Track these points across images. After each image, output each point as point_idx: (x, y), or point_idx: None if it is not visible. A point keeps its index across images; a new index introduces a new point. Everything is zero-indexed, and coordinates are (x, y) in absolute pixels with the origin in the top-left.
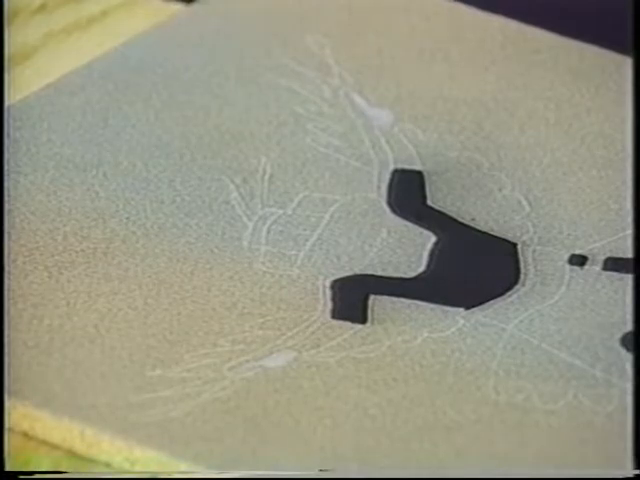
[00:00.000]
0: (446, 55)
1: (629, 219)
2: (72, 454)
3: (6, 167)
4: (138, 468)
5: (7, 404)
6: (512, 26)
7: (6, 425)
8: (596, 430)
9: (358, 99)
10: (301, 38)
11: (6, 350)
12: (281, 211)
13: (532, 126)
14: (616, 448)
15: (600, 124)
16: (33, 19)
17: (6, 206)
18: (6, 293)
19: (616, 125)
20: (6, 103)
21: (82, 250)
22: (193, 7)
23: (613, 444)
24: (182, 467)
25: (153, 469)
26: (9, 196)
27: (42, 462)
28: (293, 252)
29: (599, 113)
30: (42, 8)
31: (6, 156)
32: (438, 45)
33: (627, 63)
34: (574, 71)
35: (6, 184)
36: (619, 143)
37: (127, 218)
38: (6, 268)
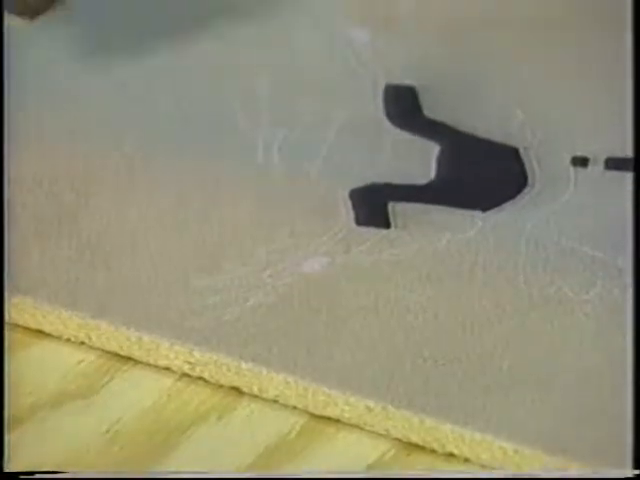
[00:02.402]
0: None
1: (625, 118)
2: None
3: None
4: (198, 370)
5: (64, 314)
6: None
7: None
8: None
9: (340, 20)
10: None
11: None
12: (286, 129)
13: (520, 32)
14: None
15: (594, 24)
16: None
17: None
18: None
19: (612, 24)
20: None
21: (106, 169)
22: None
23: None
24: (243, 366)
25: (213, 371)
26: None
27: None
28: (307, 165)
29: (594, 17)
30: None
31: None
32: None
33: None
34: None
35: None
36: (615, 41)
37: (147, 142)
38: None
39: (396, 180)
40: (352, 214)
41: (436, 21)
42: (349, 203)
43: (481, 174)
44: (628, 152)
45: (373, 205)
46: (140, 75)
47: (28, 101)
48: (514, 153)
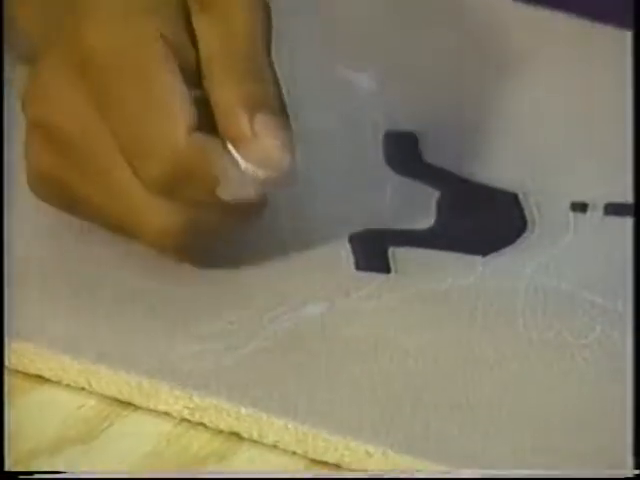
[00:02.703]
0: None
1: (625, 165)
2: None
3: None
4: (198, 416)
5: (64, 359)
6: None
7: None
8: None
9: (342, 67)
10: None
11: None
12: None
13: (523, 78)
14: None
15: (594, 75)
16: None
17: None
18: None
19: (610, 71)
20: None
21: None
22: None
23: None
24: (243, 412)
25: (213, 416)
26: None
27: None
28: (309, 211)
29: (590, 67)
30: None
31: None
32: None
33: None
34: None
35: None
36: (612, 91)
37: None
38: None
39: (397, 225)
40: (352, 259)
41: (436, 68)
42: (349, 248)
43: (481, 219)
44: (627, 198)
45: (373, 250)
46: None
47: None
48: (513, 198)
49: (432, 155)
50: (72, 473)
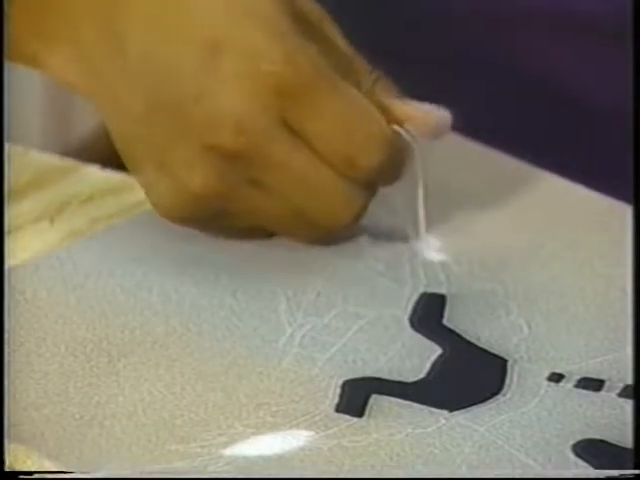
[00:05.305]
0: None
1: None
2: None
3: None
4: None
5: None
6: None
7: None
8: None
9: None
10: None
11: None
12: (318, 320)
13: (548, 265)
14: None
15: (606, 267)
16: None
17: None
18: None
19: (618, 268)
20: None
21: (143, 342)
22: None
23: None
24: None
25: None
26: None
27: None
28: (318, 355)
29: (607, 257)
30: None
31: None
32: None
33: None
34: (590, 219)
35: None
36: (618, 284)
37: (187, 318)
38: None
39: (391, 375)
40: (336, 401)
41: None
42: (338, 391)
43: (464, 378)
44: (601, 375)
45: (356, 395)
46: (179, 264)
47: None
48: (502, 364)
49: (451, 317)
50: (72, 473)
